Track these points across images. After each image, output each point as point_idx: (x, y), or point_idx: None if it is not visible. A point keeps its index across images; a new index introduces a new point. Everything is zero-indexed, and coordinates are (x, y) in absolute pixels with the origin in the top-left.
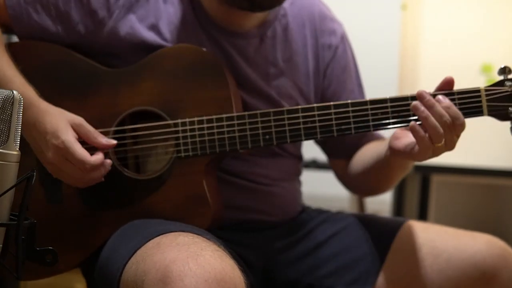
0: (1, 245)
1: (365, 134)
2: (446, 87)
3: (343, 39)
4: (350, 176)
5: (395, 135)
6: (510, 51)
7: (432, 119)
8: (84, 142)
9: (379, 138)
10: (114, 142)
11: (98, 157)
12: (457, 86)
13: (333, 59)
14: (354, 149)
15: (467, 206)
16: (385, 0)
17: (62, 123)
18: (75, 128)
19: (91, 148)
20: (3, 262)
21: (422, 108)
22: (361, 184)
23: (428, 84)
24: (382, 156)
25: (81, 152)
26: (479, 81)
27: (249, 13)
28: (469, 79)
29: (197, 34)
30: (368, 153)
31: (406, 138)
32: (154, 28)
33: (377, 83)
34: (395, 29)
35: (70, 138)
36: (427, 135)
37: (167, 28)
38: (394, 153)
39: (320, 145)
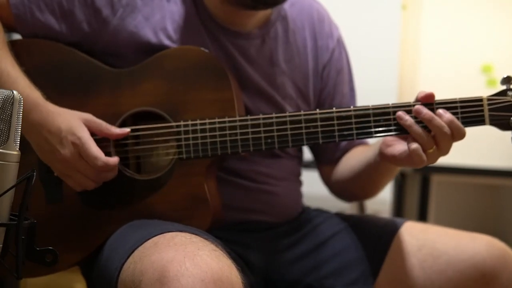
0: (1, 245)
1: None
2: (425, 100)
3: (339, 42)
4: (336, 181)
5: (386, 142)
6: (510, 51)
7: (416, 127)
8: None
9: (363, 143)
10: (128, 130)
11: (114, 159)
12: (457, 86)
13: (329, 61)
14: (343, 154)
15: (467, 206)
16: (385, 0)
17: (75, 121)
18: (87, 124)
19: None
20: (3, 262)
21: (406, 117)
22: (347, 189)
23: (428, 84)
24: (371, 162)
25: (95, 149)
26: (479, 81)
27: (252, 12)
28: (469, 79)
29: (200, 34)
30: (355, 158)
31: (399, 145)
32: (159, 27)
33: (377, 83)
34: (395, 29)
35: (86, 135)
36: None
37: (171, 27)
38: (387, 159)
39: (309, 148)
